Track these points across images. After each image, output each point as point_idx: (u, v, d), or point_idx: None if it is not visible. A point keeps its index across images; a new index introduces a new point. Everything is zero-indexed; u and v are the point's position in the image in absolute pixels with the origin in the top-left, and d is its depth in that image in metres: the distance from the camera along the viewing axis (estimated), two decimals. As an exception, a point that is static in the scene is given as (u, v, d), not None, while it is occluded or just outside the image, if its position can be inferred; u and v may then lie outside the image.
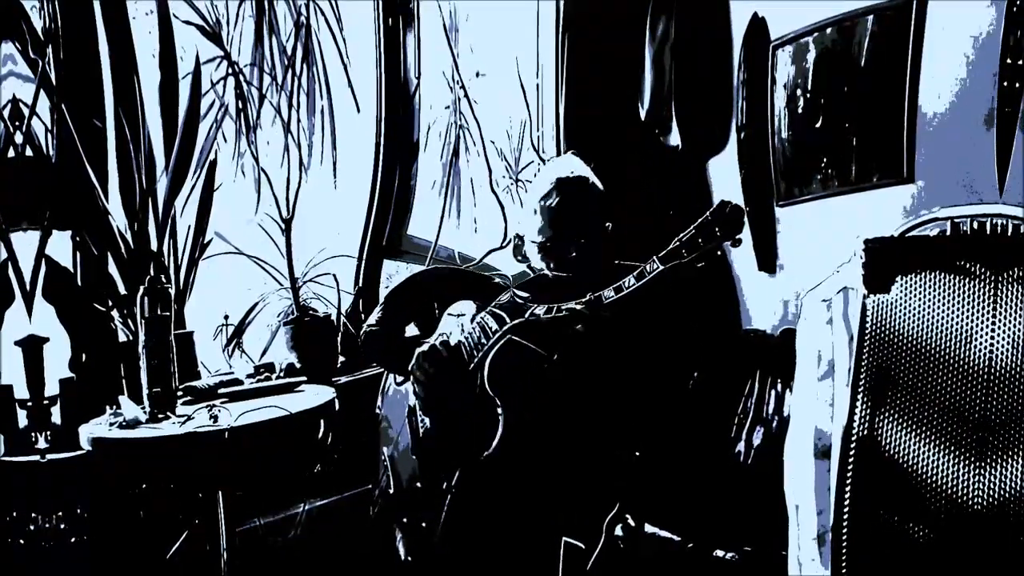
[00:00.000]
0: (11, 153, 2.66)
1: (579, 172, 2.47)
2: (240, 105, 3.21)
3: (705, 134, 3.39)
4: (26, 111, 2.67)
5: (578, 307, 2.21)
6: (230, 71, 3.19)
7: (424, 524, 2.40)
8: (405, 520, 2.50)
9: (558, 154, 3.75)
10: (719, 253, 2.13)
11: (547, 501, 2.29)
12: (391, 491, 2.57)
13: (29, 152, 2.69)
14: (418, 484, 2.48)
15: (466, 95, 3.87)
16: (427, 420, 2.48)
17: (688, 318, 2.43)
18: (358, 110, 3.55)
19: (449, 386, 2.39)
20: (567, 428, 2.31)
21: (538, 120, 3.98)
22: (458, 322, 2.53)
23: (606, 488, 2.31)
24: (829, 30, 2.87)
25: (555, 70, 3.81)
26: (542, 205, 2.42)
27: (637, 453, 2.39)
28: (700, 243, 2.08)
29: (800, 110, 2.97)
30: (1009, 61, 2.33)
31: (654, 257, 2.13)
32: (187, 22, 3.09)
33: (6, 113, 2.65)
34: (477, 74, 3.92)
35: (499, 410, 2.28)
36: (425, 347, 2.41)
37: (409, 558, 2.46)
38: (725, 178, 3.33)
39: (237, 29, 3.23)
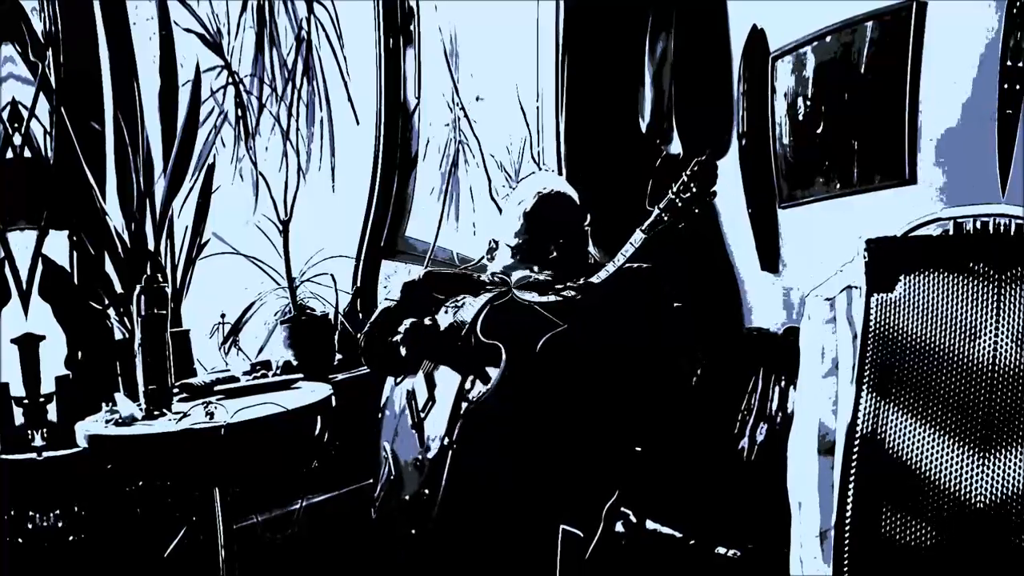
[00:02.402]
0: (9, 154, 2.65)
1: (553, 186, 2.59)
2: (239, 113, 3.22)
3: (706, 142, 3.41)
4: (25, 113, 2.67)
5: (570, 294, 2.28)
6: (230, 80, 3.20)
7: (427, 492, 2.40)
8: (408, 497, 2.50)
9: (559, 167, 3.81)
10: (697, 211, 2.20)
11: (542, 500, 2.30)
12: (392, 477, 2.57)
13: (27, 154, 2.68)
14: (419, 458, 2.49)
15: (466, 115, 3.91)
16: (424, 395, 2.51)
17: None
18: (357, 123, 3.57)
19: (438, 343, 2.47)
20: (565, 377, 2.36)
21: (538, 137, 4.02)
22: (452, 312, 2.56)
23: (605, 467, 2.34)
24: (829, 38, 2.88)
25: (555, 80, 3.84)
26: (518, 212, 2.55)
27: (638, 448, 2.41)
28: (678, 204, 2.20)
29: (801, 117, 2.98)
30: (1009, 63, 2.33)
31: (637, 229, 2.22)
32: (188, 30, 3.10)
33: (5, 115, 2.65)
34: (477, 98, 3.95)
35: (501, 354, 2.34)
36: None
37: (413, 531, 2.45)
38: (727, 182, 3.32)
39: (238, 40, 3.24)
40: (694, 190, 2.19)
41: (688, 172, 2.21)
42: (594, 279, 2.33)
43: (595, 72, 3.72)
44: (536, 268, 2.50)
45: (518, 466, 2.31)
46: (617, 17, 3.64)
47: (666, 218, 2.21)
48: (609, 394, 2.37)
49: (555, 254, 2.49)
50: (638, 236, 2.24)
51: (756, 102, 3.18)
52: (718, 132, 3.36)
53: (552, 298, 2.36)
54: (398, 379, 2.59)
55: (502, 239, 2.61)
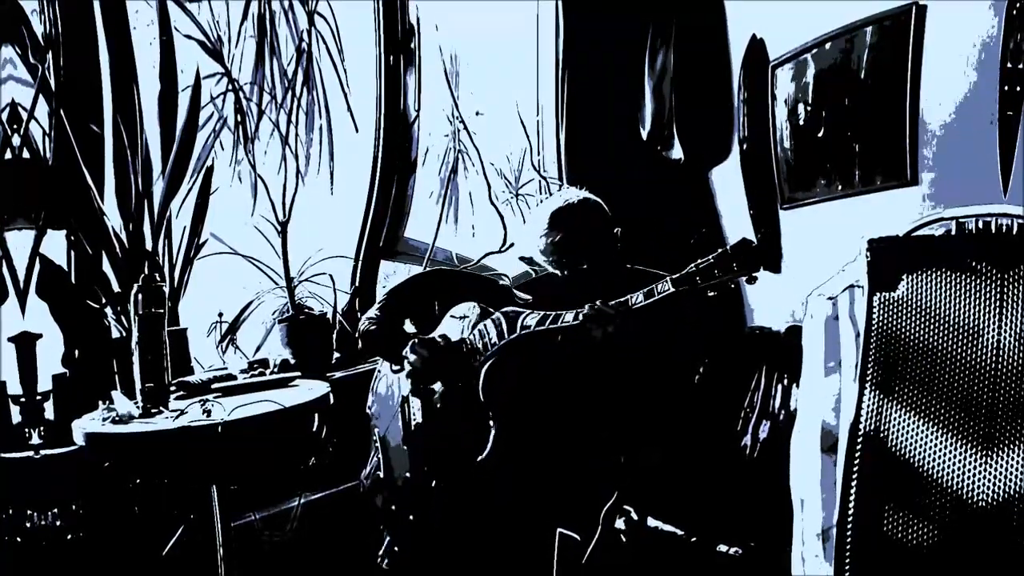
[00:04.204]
0: (8, 155, 2.65)
1: (575, 199, 2.51)
2: (239, 119, 3.23)
3: (706, 148, 3.44)
4: (24, 115, 2.66)
5: (572, 321, 2.23)
6: (230, 87, 3.21)
7: (412, 517, 2.40)
8: (393, 508, 2.49)
9: (559, 175, 3.83)
10: (732, 286, 2.13)
11: (539, 504, 2.29)
12: (380, 474, 2.56)
13: (26, 155, 2.67)
14: (407, 475, 2.49)
15: (465, 128, 3.93)
16: (418, 413, 2.48)
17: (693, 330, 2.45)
18: (356, 131, 3.59)
19: (442, 372, 2.43)
20: (560, 441, 2.34)
21: (538, 147, 4.04)
22: (459, 325, 2.54)
23: (602, 480, 2.31)
24: (828, 45, 2.88)
25: (555, 93, 3.86)
26: (545, 242, 2.47)
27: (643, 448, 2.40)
28: (716, 274, 2.08)
29: (801, 122, 2.99)
30: (1010, 65, 2.34)
31: (667, 277, 2.14)
32: (188, 36, 3.11)
33: (4, 116, 2.65)
34: (477, 113, 3.97)
35: (491, 422, 2.32)
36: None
37: (396, 548, 2.45)
38: (729, 184, 3.38)
39: (238, 48, 3.26)
40: (735, 268, 2.07)
41: (732, 248, 2.08)
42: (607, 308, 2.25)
43: (595, 84, 3.74)
44: (567, 273, 2.48)
45: (515, 471, 2.30)
46: (617, 30, 3.66)
47: (698, 280, 2.10)
48: (610, 401, 2.36)
49: (585, 266, 2.44)
50: (667, 286, 2.13)
51: (756, 109, 3.19)
52: (719, 138, 3.38)
53: (561, 320, 2.31)
54: (395, 368, 2.57)
55: (532, 256, 2.58)
